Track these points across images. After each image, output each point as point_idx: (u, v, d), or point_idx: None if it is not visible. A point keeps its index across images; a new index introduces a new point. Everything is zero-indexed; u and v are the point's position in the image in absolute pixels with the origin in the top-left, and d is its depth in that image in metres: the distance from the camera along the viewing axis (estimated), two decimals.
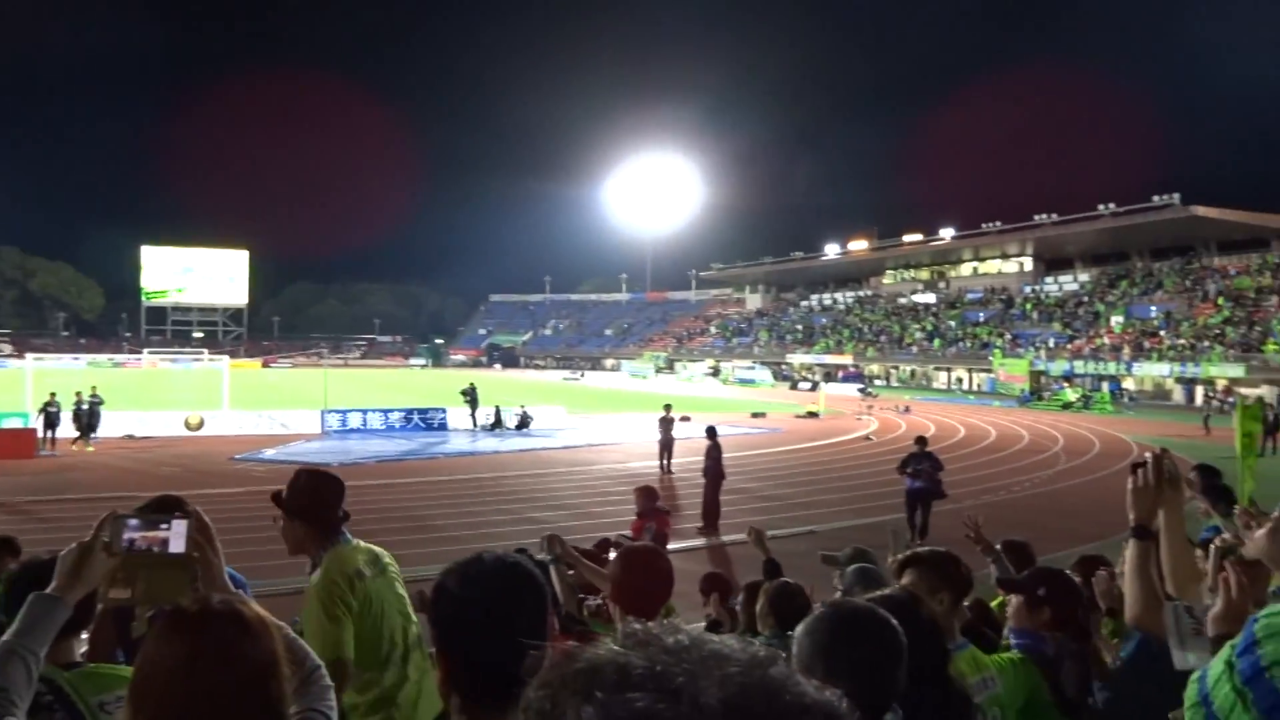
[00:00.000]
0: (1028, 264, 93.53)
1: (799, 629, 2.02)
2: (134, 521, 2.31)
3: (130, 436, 30.07)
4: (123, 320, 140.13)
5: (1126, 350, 68.73)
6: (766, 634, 4.21)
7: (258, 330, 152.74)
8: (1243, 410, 8.27)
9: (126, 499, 6.12)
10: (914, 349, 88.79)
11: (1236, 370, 59.28)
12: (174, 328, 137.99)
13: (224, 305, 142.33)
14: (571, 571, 5.10)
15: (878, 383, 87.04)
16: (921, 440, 15.90)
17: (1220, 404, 54.02)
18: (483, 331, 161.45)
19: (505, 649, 1.79)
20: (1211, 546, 3.53)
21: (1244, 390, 56.38)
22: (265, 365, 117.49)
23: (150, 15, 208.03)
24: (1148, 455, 2.98)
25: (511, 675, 1.37)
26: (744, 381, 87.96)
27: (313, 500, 3.79)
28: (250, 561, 9.40)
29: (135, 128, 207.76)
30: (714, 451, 17.60)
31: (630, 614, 3.02)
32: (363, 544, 3.95)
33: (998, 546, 5.79)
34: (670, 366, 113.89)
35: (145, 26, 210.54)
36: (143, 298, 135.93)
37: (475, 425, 35.08)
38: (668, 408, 24.63)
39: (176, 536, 2.30)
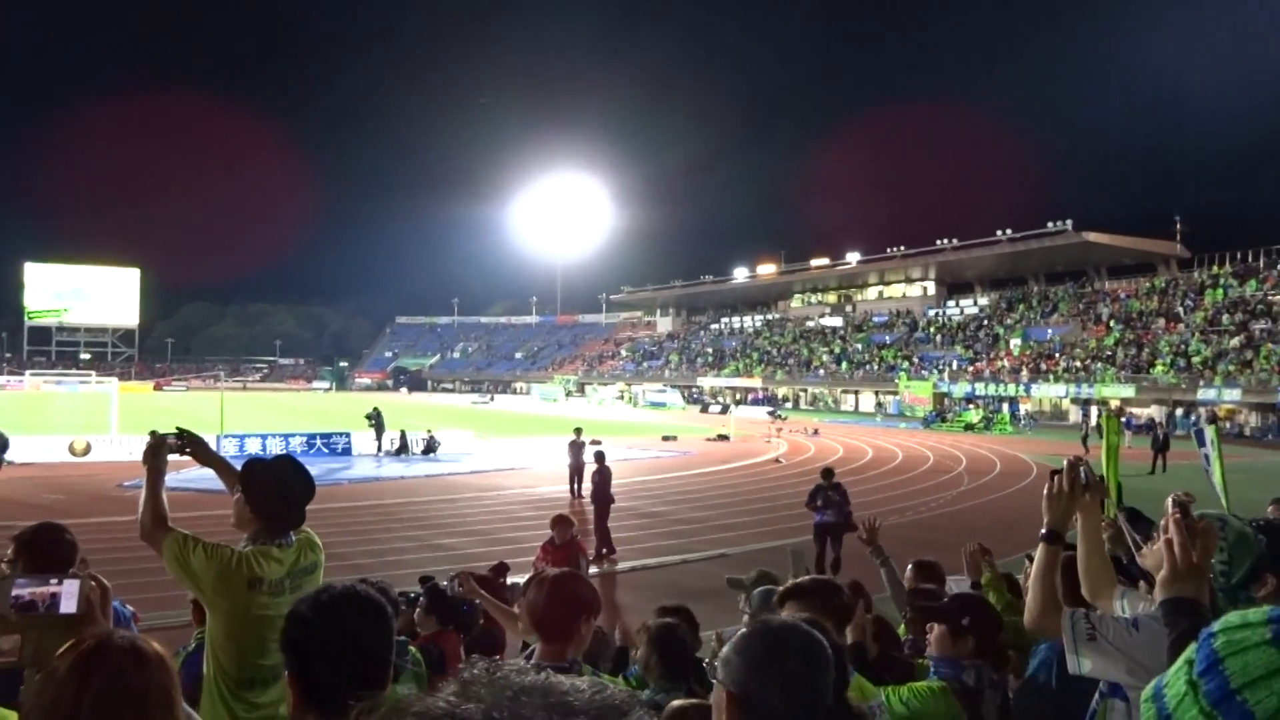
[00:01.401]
0: (930, 288, 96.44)
1: (727, 649, 2.05)
2: (22, 580, 2.29)
3: (9, 463, 28.60)
4: (2, 340, 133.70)
5: (1025, 372, 71.31)
6: (652, 687, 3.91)
7: (150, 352, 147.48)
8: (1106, 423, 8.79)
9: (3, 528, 5.84)
10: (821, 371, 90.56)
11: (1128, 391, 62.00)
12: (59, 349, 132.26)
13: (113, 326, 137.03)
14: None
15: (787, 406, 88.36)
16: (828, 472, 15.67)
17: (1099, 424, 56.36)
18: (389, 354, 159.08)
19: (353, 672, 2.01)
20: (1167, 501, 3.53)
21: (1135, 410, 59.07)
22: (158, 388, 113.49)
23: (34, 29, 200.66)
24: (1065, 460, 3.05)
25: (359, 698, 1.45)
26: (655, 405, 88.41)
27: (263, 496, 3.72)
28: (139, 594, 9.02)
29: (15, 142, 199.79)
30: (600, 476, 17.49)
31: (551, 642, 3.00)
32: (299, 558, 3.83)
33: (910, 566, 5.89)
34: (581, 390, 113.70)
35: (27, 38, 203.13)
36: (25, 317, 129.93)
37: (380, 450, 34.50)
38: (578, 431, 24.54)
39: (68, 596, 2.25)
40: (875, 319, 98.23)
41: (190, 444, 3.97)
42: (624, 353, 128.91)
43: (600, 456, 18.21)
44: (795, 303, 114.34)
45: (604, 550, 16.33)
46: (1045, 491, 2.99)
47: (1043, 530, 2.97)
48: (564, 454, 24.82)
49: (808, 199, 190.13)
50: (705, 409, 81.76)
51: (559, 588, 3.10)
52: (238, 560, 3.56)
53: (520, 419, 65.20)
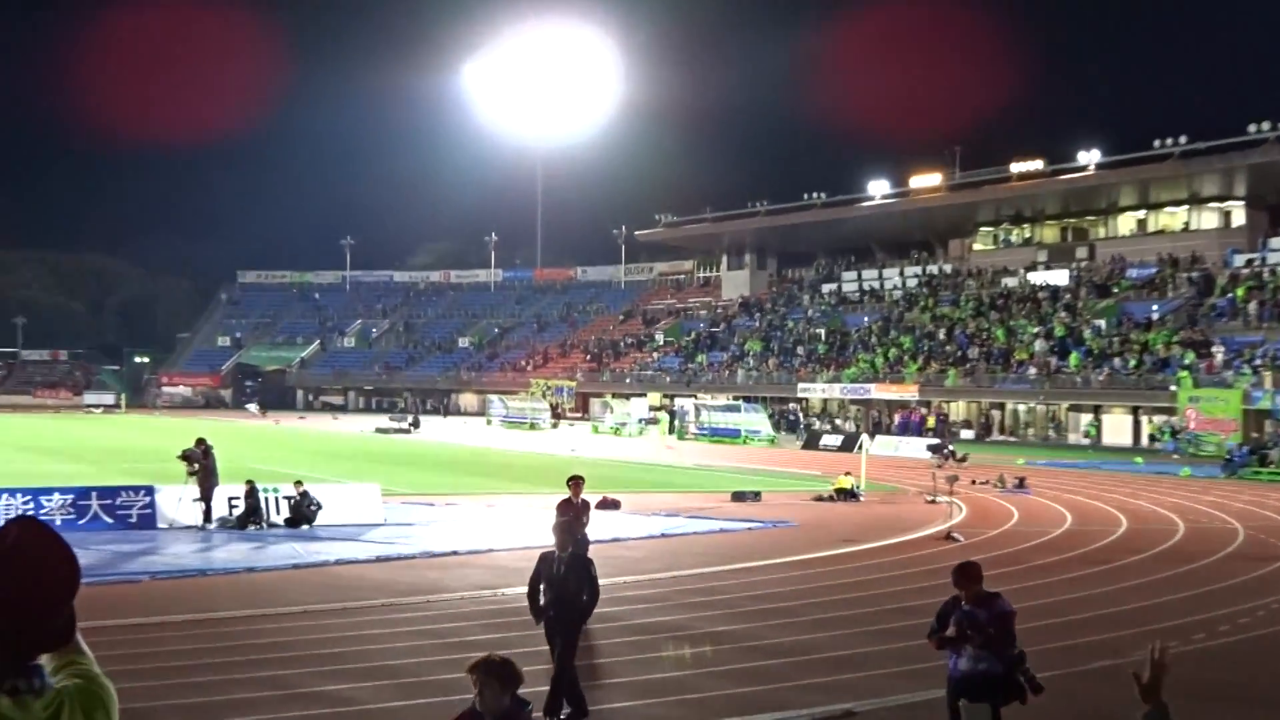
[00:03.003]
0: (1238, 214, 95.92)
1: None
2: None
3: None
4: None
5: None
6: None
7: None
8: None
9: None
10: (1031, 371, 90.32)
11: None
12: None
13: None
14: None
15: (965, 435, 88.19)
16: (969, 572, 14.70)
17: None
18: (225, 341, 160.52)
19: None
20: None
21: None
22: None
23: None
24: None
25: None
26: (718, 434, 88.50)
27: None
28: None
29: None
30: (572, 562, 17.22)
31: None
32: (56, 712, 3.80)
33: None
34: (582, 405, 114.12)
35: None
36: None
37: (209, 519, 34.63)
38: (576, 483, 24.54)
39: None
40: (1132, 272, 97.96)
41: None
42: (660, 336, 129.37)
43: (582, 506, 18.17)
44: (980, 243, 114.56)
45: (564, 714, 16.14)
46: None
47: None
48: (548, 523, 24.83)
49: (1000, 59, 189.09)
50: (813, 439, 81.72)
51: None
52: None
53: (467, 460, 65.49)
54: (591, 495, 25.86)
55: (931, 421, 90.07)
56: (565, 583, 16.84)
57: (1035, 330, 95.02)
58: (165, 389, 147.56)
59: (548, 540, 25.23)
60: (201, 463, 35.41)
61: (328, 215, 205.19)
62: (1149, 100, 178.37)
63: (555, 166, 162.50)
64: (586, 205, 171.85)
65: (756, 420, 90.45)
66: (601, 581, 23.86)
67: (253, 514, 34.92)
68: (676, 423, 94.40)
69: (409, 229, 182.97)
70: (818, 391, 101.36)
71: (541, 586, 16.38)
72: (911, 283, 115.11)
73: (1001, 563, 29.27)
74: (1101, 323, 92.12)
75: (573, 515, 25.04)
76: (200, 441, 36.48)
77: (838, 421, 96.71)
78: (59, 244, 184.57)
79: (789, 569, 29.16)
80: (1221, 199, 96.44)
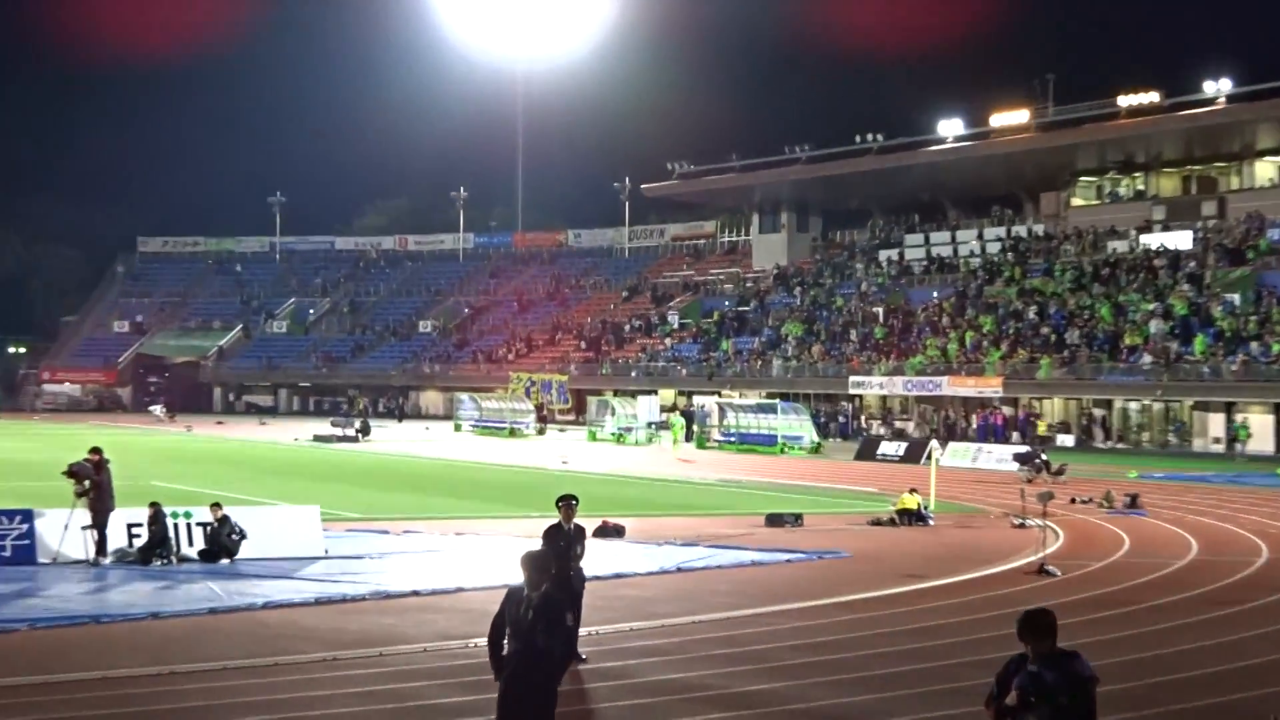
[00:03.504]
0: None
1: None
2: None
3: None
4: None
5: None
6: None
7: None
8: None
9: None
10: (1145, 359, 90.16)
11: None
12: None
13: None
14: None
15: (1063, 442, 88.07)
16: (1037, 623, 14.14)
17: None
18: (122, 326, 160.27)
19: None
20: None
21: None
22: None
23: None
24: None
25: None
26: (748, 441, 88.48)
27: None
28: None
29: None
30: (547, 613, 17.15)
31: None
32: None
33: None
34: (575, 406, 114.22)
35: None
36: None
37: (103, 551, 34.55)
38: (568, 505, 24.58)
39: None
40: (1273, 233, 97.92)
41: None
42: (675, 318, 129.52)
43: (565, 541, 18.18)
44: (1080, 197, 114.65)
45: None
46: None
47: None
48: (529, 555, 24.80)
49: None
50: (869, 448, 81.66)
51: None
52: None
53: (429, 476, 65.58)
54: (588, 520, 25.67)
55: (1024, 428, 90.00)
56: (532, 631, 16.52)
57: (1150, 307, 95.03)
58: (46, 387, 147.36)
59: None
60: (94, 480, 35.26)
61: (252, 166, 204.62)
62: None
63: (541, 101, 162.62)
64: (580, 151, 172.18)
65: (797, 423, 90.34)
66: (602, 628, 24.04)
67: (158, 545, 34.80)
68: (695, 427, 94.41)
69: (355, 183, 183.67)
70: (874, 387, 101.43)
71: (508, 632, 16.20)
72: (993, 248, 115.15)
73: (1107, 603, 29.26)
74: (1235, 297, 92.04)
75: (559, 544, 24.84)
76: (94, 453, 36.42)
77: (900, 425, 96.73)
78: None
79: (839, 612, 29.15)
80: None
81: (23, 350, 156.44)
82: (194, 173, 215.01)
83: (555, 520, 24.11)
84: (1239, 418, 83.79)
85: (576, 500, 24.54)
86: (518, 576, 24.15)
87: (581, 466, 69.54)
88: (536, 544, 24.30)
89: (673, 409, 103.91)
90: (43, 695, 20.86)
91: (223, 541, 35.26)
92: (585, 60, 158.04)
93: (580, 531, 24.09)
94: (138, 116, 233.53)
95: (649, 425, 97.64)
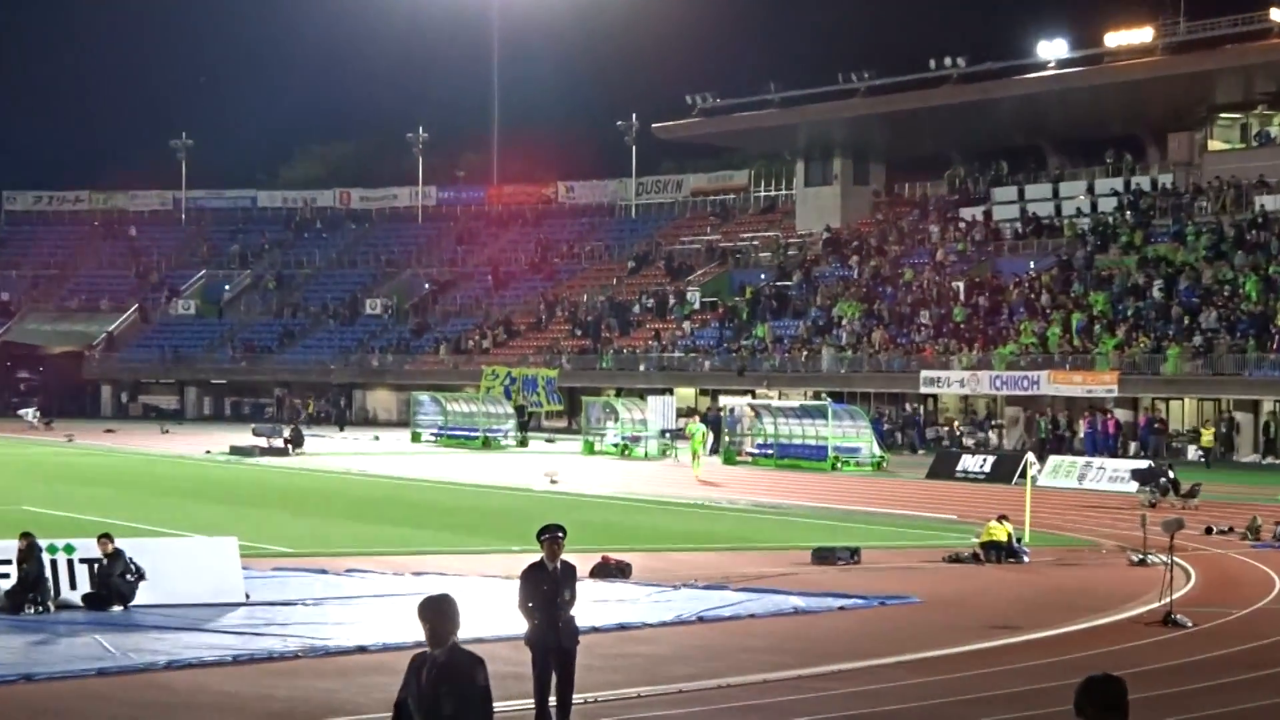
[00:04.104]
0: None
1: None
2: None
3: None
4: None
5: None
6: None
7: None
8: None
9: None
10: None
11: None
12: None
13: None
14: None
15: (1194, 455, 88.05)
16: (1096, 693, 14.03)
17: None
18: None
19: None
20: None
21: None
22: None
23: None
24: None
25: None
26: (790, 454, 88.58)
27: None
28: None
29: None
30: (452, 679, 17.25)
31: None
32: None
33: None
34: (568, 408, 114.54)
35: None
36: None
37: None
38: (552, 538, 24.71)
39: None
40: None
41: None
42: (695, 296, 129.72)
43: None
44: (1220, 139, 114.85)
45: None
46: None
47: None
48: (505, 603, 24.95)
49: None
50: (946, 462, 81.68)
51: None
52: None
53: (379, 499, 65.93)
54: (581, 556, 25.60)
55: (1146, 436, 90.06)
56: (435, 706, 16.13)
57: None
58: None
59: (508, 627, 25.18)
60: None
61: (149, 102, 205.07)
62: None
63: (522, 16, 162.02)
64: (573, 80, 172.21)
65: (853, 431, 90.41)
66: (601, 694, 24.27)
67: (32, 588, 34.91)
68: (724, 435, 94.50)
69: (283, 123, 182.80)
70: (953, 384, 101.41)
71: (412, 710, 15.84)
72: (1106, 205, 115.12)
73: (1249, 663, 29.30)
74: None
75: (542, 588, 24.57)
76: None
77: (985, 433, 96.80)
78: None
79: (905, 675, 29.07)
80: None
81: None
82: (75, 109, 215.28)
83: (538, 557, 24.15)
84: None
85: (564, 532, 24.58)
86: (493, 628, 24.41)
87: (575, 486, 69.65)
88: (514, 589, 24.43)
89: (692, 413, 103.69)
90: None
91: (114, 583, 35.28)
92: None
93: (570, 571, 23.80)
94: (1, 39, 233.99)
95: (662, 434, 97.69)
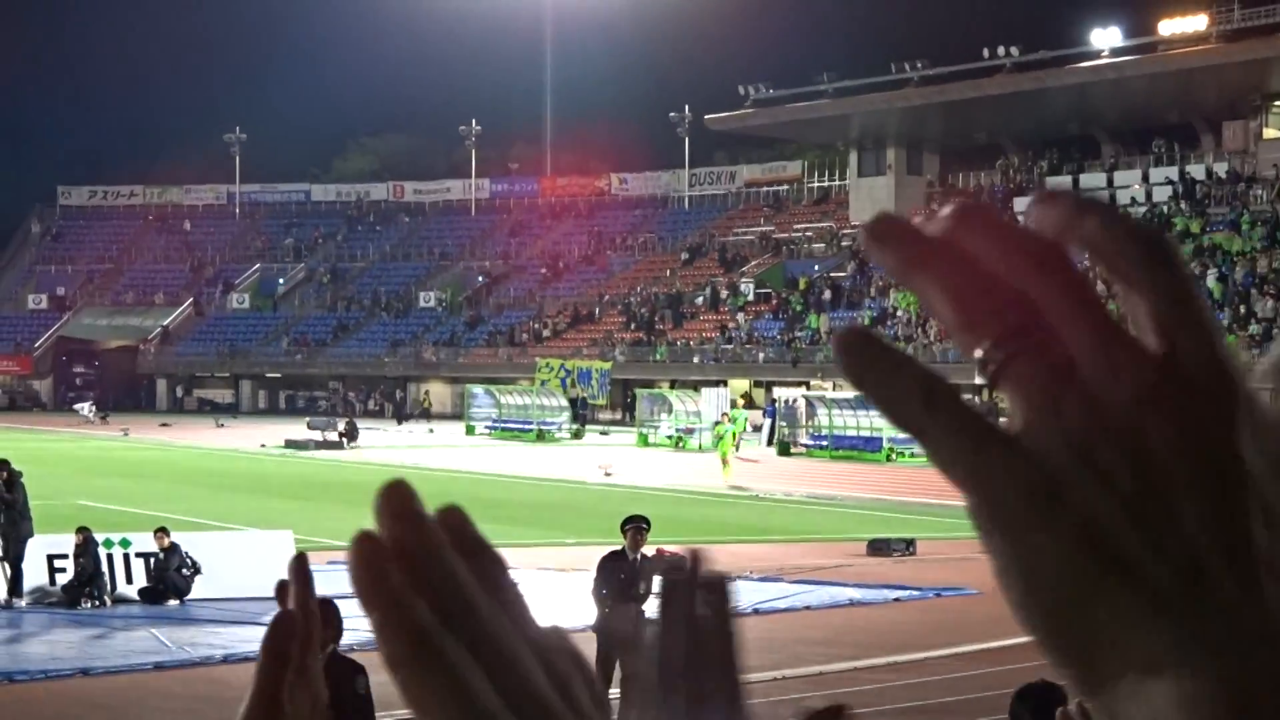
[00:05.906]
0: None
1: None
2: None
3: None
4: None
5: None
6: None
7: None
8: None
9: None
10: None
11: None
12: None
13: None
14: None
15: None
16: (1035, 700, 13.93)
17: None
18: (39, 302, 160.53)
19: None
20: None
21: None
22: None
23: None
24: None
25: None
26: (844, 445, 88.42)
27: None
28: None
29: None
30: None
31: None
32: None
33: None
34: (622, 401, 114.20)
35: None
36: None
37: (17, 591, 34.65)
38: (636, 528, 24.58)
39: None
40: None
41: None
42: (748, 287, 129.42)
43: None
44: (1276, 127, 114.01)
45: None
46: None
47: None
48: (575, 594, 24.79)
49: None
50: None
51: None
52: None
53: (435, 492, 65.66)
54: (663, 549, 25.50)
55: None
56: None
57: None
58: None
59: (568, 619, 24.88)
60: (4, 500, 35.43)
61: (203, 96, 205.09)
62: None
63: (576, 8, 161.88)
64: (625, 71, 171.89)
65: None
66: None
67: (88, 582, 34.88)
68: (778, 427, 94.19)
69: (334, 117, 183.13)
70: None
71: None
72: (1161, 193, 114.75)
73: None
74: None
75: (618, 578, 24.41)
76: (2, 465, 36.56)
77: None
78: None
79: (964, 666, 29.04)
80: None
81: None
82: (129, 105, 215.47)
83: (617, 546, 23.97)
84: None
85: (648, 524, 24.45)
86: (553, 620, 24.05)
87: (629, 479, 69.55)
88: (583, 582, 24.27)
89: (743, 403, 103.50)
90: None
91: (170, 578, 35.23)
92: None
93: (649, 563, 23.70)
94: (58, 34, 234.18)
95: (718, 425, 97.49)
